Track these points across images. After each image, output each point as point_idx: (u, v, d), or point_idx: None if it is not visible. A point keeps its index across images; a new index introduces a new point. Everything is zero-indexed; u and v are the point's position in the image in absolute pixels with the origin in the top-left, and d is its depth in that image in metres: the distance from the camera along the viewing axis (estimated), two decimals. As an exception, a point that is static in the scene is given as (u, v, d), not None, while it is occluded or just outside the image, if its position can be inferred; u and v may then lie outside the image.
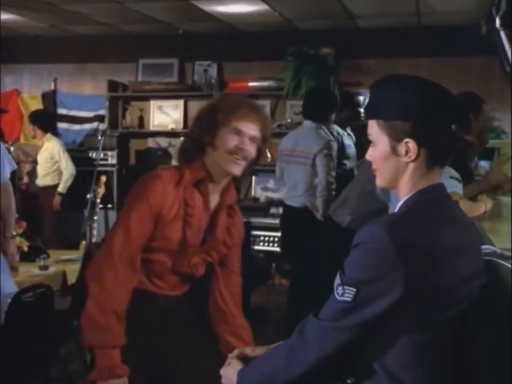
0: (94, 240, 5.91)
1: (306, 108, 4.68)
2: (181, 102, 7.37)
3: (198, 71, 7.32)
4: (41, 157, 6.50)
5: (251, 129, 2.17)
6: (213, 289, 2.40)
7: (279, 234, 5.82)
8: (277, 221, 6.05)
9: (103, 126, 7.38)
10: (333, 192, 4.45)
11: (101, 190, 6.23)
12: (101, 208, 6.52)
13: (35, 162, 6.80)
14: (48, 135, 6.47)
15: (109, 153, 7.11)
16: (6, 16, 6.39)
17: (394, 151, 1.51)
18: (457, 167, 2.77)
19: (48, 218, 6.36)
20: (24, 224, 4.03)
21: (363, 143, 4.71)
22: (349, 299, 1.41)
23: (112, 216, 7.02)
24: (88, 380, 2.10)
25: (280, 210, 6.25)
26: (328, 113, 4.65)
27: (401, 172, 1.52)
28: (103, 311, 2.07)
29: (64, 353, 3.60)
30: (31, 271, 3.73)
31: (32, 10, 6.23)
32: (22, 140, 7.66)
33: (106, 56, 7.51)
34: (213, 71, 7.24)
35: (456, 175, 2.78)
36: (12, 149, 6.85)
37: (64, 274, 3.85)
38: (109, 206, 7.01)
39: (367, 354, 1.50)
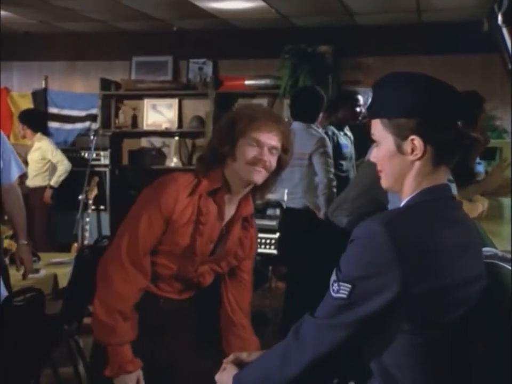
0: (86, 242, 5.92)
1: (294, 109, 4.75)
2: (175, 101, 7.38)
3: (192, 69, 7.32)
4: (32, 157, 6.49)
5: (270, 139, 2.17)
6: (223, 299, 2.42)
7: (276, 236, 5.83)
8: (273, 223, 6.04)
9: (95, 126, 7.37)
10: (335, 190, 4.49)
11: (93, 191, 6.23)
12: (93, 210, 6.52)
13: (25, 162, 6.79)
14: (38, 134, 6.46)
15: (102, 153, 7.11)
16: (-5, 12, 6.39)
17: (399, 149, 1.51)
18: (457, 167, 2.77)
19: (38, 220, 6.34)
20: None
21: (363, 142, 4.74)
22: (344, 296, 1.42)
23: (105, 217, 7.02)
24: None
25: (277, 211, 6.26)
26: (316, 113, 4.69)
27: (407, 171, 1.52)
28: (107, 311, 2.14)
29: (54, 357, 3.60)
30: (21, 274, 3.72)
31: (21, 6, 6.22)
32: (12, 140, 7.62)
33: (99, 53, 7.50)
34: (208, 69, 7.25)
35: (449, 175, 2.78)
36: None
37: (55, 277, 3.85)
38: (102, 207, 7.00)
39: (364, 355, 1.51)
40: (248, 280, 2.45)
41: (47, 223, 6.46)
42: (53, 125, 7.58)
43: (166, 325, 2.30)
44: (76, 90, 7.68)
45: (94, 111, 7.44)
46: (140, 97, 7.43)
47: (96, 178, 6.34)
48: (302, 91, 5.10)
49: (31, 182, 6.52)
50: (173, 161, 7.26)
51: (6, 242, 3.80)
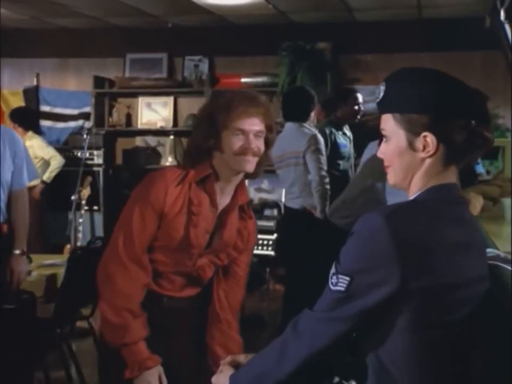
0: (79, 243, 5.91)
1: (285, 110, 4.84)
2: (170, 99, 7.37)
3: (188, 66, 7.32)
4: (23, 156, 6.47)
5: (253, 125, 2.19)
6: (213, 294, 2.42)
7: (273, 237, 5.84)
8: (271, 223, 6.06)
9: (88, 124, 7.37)
10: (328, 186, 4.54)
11: (86, 191, 6.24)
12: (86, 210, 6.53)
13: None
14: (30, 133, 6.45)
15: (95, 152, 7.11)
16: (-15, 8, 6.38)
17: (411, 146, 1.51)
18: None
19: (30, 221, 6.31)
20: (5, 227, 4.02)
21: (362, 142, 4.77)
22: (342, 289, 1.43)
23: (98, 218, 7.02)
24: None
25: (275, 212, 6.27)
26: (307, 112, 4.76)
27: (416, 169, 1.52)
28: (115, 311, 2.16)
29: (46, 361, 3.60)
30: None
31: (12, 1, 6.20)
32: (2, 139, 7.64)
33: (92, 50, 7.49)
34: (204, 67, 7.25)
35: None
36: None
37: (47, 279, 3.84)
38: (95, 207, 7.00)
39: (364, 353, 1.52)
40: (243, 277, 2.45)
41: (39, 223, 6.45)
42: (45, 123, 7.56)
43: (170, 324, 2.31)
44: (68, 88, 7.67)
45: (87, 109, 7.43)
46: (134, 95, 7.43)
47: (90, 178, 6.34)
48: (292, 91, 5.21)
49: (22, 182, 6.49)
50: (168, 161, 7.26)
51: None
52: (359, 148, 5.07)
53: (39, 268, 4.00)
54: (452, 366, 1.51)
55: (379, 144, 1.63)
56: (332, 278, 1.46)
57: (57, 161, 6.45)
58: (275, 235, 5.69)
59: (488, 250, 1.75)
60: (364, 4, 6.11)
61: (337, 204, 4.18)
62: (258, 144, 2.20)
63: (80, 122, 7.53)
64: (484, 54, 6.43)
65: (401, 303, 1.41)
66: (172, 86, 7.26)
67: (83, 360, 3.88)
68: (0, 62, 6.29)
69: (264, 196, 6.88)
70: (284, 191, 4.99)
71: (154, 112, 7.43)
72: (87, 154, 6.82)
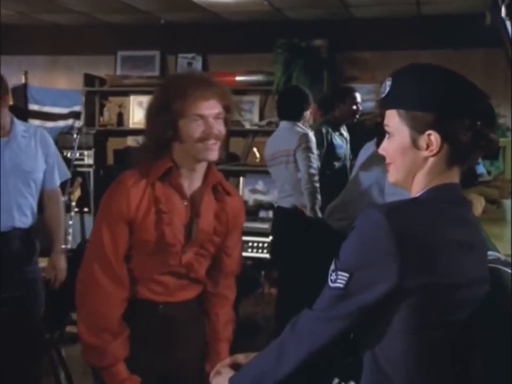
0: (69, 246, 5.90)
1: (279, 109, 4.95)
2: (162, 98, 7.36)
3: (181, 64, 7.32)
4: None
5: (211, 108, 2.17)
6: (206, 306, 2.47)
7: (268, 239, 5.84)
8: (266, 226, 6.07)
9: (78, 123, 7.36)
10: (317, 184, 4.62)
11: (77, 193, 6.24)
12: (76, 212, 6.52)
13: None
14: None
15: (85, 152, 7.10)
16: (-28, 4, 6.37)
17: (414, 143, 1.52)
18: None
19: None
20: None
21: (360, 143, 4.79)
22: (341, 285, 1.44)
23: (89, 220, 7.00)
24: None
25: (270, 214, 6.27)
26: (300, 111, 4.83)
27: (419, 168, 1.54)
28: (93, 331, 2.14)
29: (36, 368, 3.59)
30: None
31: (0, -2, 6.20)
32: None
33: (82, 47, 7.49)
34: (197, 64, 7.25)
35: None
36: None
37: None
38: (85, 209, 6.99)
39: (361, 353, 1.53)
40: (234, 254, 2.45)
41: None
42: (33, 122, 7.55)
43: (169, 333, 2.29)
44: (57, 86, 7.66)
45: (77, 108, 7.42)
46: (126, 94, 7.42)
47: (80, 179, 6.34)
48: (286, 90, 5.28)
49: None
50: (161, 161, 7.24)
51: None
52: (355, 149, 5.08)
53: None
54: (451, 368, 1.52)
55: (378, 142, 1.63)
56: (331, 275, 1.47)
57: None
58: (270, 237, 5.70)
59: (489, 253, 1.76)
60: (361, 0, 6.12)
61: (334, 205, 4.21)
62: (219, 127, 2.18)
63: (70, 121, 7.51)
64: (484, 52, 6.45)
65: (400, 301, 1.43)
66: (165, 85, 7.24)
67: (72, 366, 3.88)
68: (-13, 59, 6.27)
69: (259, 197, 6.89)
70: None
71: (146, 111, 7.41)
72: (77, 155, 6.82)
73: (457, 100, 1.49)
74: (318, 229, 4.39)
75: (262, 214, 6.72)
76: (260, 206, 6.77)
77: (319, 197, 4.61)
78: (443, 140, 1.49)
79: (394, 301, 1.42)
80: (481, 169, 4.62)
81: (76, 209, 6.33)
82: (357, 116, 5.49)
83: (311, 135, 4.75)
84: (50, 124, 7.59)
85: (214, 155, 2.20)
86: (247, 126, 6.97)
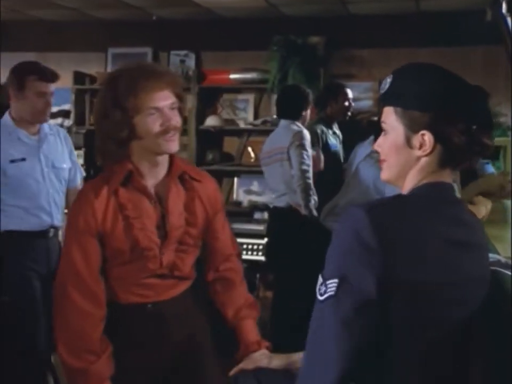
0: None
1: (279, 107, 5.01)
2: (154, 96, 7.36)
3: (173, 61, 7.32)
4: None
5: (166, 99, 2.15)
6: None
7: (263, 241, 5.84)
8: (261, 227, 6.06)
9: (68, 122, 7.35)
10: (309, 181, 4.67)
11: (66, 194, 6.20)
12: (66, 214, 6.50)
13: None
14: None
15: (75, 152, 7.07)
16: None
17: (408, 142, 1.56)
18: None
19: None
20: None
21: (353, 142, 4.84)
22: (332, 293, 1.43)
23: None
24: None
25: (265, 215, 6.27)
26: (299, 111, 4.90)
27: (411, 166, 1.58)
28: (74, 353, 2.12)
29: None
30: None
31: (-12, -7, 6.19)
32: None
33: (72, 44, 7.48)
34: (191, 62, 7.24)
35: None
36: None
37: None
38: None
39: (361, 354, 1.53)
40: (223, 236, 2.44)
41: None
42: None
43: (154, 332, 2.27)
44: (46, 84, 7.63)
45: (67, 106, 7.41)
46: (117, 92, 7.40)
47: (69, 180, 6.31)
48: (286, 89, 5.31)
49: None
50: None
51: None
52: (349, 148, 5.11)
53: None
54: (451, 370, 1.53)
55: (375, 141, 1.66)
56: (319, 290, 1.46)
57: None
58: (265, 239, 5.70)
59: (489, 255, 1.77)
60: (358, -4, 6.13)
61: (330, 207, 4.25)
62: (176, 117, 2.17)
63: (59, 120, 7.51)
64: (485, 49, 6.46)
65: (390, 296, 1.43)
66: (157, 82, 7.24)
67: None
68: (-26, 56, 6.26)
69: (254, 198, 6.89)
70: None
71: (137, 110, 7.41)
72: (67, 155, 6.79)
73: (455, 102, 1.52)
74: (313, 228, 4.44)
75: (257, 215, 6.72)
76: (255, 207, 6.76)
77: (312, 193, 4.67)
78: (436, 141, 1.52)
79: (386, 296, 1.43)
80: (490, 169, 4.63)
81: (66, 211, 6.31)
82: (349, 113, 5.51)
83: (306, 132, 4.80)
84: (38, 123, 7.57)
85: (175, 146, 2.18)
86: (242, 125, 6.97)
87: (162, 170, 2.25)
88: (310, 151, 4.78)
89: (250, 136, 7.06)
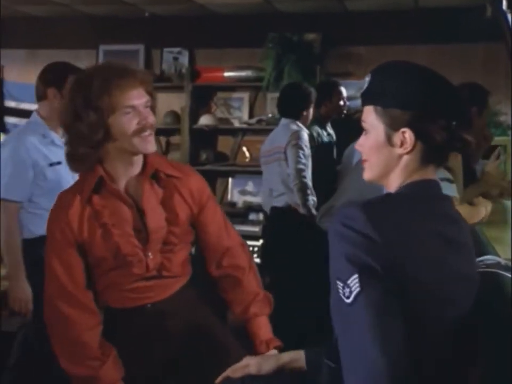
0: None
1: (280, 106, 5.07)
2: (147, 94, 7.35)
3: (166, 59, 7.32)
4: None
5: (139, 97, 2.15)
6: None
7: (259, 243, 5.84)
8: (256, 229, 6.07)
9: (58, 121, 7.33)
10: (305, 180, 4.71)
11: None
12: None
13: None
14: (-7, 131, 6.43)
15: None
16: None
17: (389, 140, 1.59)
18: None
19: None
20: None
21: (346, 142, 4.85)
22: (358, 288, 1.42)
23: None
24: None
25: (261, 216, 6.27)
26: (298, 110, 4.94)
27: (394, 165, 1.60)
28: (79, 363, 2.12)
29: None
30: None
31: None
32: (-36, 137, 7.60)
33: (62, 41, 7.46)
34: (184, 59, 7.24)
35: (447, 175, 2.80)
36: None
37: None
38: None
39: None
40: (211, 229, 2.40)
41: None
42: (10, 120, 7.53)
43: (162, 329, 2.28)
44: (36, 82, 7.62)
45: (57, 104, 7.39)
46: (108, 90, 7.40)
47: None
48: (287, 88, 5.29)
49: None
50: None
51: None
52: (343, 148, 5.12)
53: (5, 280, 3.98)
54: (452, 376, 1.53)
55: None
56: (343, 294, 1.44)
57: None
58: (261, 241, 5.70)
59: (489, 257, 1.78)
60: (356, -8, 6.13)
61: (326, 208, 4.28)
62: (150, 115, 2.17)
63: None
64: (485, 46, 6.47)
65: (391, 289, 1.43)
66: (149, 80, 7.23)
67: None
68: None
69: (249, 198, 6.89)
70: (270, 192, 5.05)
71: (129, 108, 7.40)
72: (57, 154, 6.77)
73: (435, 99, 1.55)
74: (310, 228, 4.46)
75: (252, 216, 6.72)
76: (250, 208, 6.76)
77: (310, 192, 4.70)
78: (417, 138, 1.54)
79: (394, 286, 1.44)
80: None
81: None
82: (344, 112, 5.51)
83: (304, 132, 4.83)
84: (28, 122, 7.56)
85: (152, 146, 2.17)
86: (236, 124, 6.96)
87: (137, 170, 2.24)
88: (307, 151, 4.80)
89: (245, 136, 7.05)
